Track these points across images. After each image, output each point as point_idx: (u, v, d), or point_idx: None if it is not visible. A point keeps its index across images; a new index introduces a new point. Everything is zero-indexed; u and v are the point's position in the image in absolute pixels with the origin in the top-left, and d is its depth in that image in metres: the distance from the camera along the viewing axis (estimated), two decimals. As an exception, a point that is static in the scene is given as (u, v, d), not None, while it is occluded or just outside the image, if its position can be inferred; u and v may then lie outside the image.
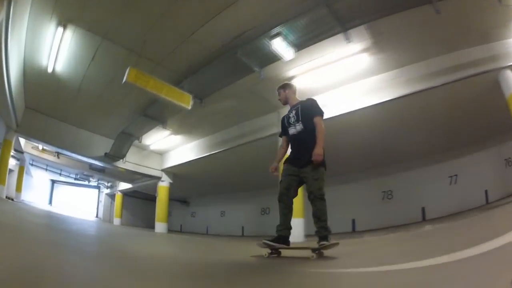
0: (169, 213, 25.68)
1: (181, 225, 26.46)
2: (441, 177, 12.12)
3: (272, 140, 10.43)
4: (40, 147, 19.09)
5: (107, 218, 27.72)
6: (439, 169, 12.23)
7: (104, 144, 16.31)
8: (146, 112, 12.74)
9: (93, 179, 26.73)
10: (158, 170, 18.83)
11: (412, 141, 11.31)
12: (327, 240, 3.92)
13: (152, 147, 17.55)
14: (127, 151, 16.38)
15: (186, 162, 16.33)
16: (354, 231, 13.13)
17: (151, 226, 24.85)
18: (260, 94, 10.46)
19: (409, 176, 13.08)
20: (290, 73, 9.34)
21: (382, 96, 8.72)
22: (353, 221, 13.92)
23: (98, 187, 30.84)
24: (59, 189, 31.78)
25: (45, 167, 25.03)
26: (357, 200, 14.52)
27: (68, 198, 31.60)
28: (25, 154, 20.34)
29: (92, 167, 20.53)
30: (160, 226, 18.01)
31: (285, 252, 4.41)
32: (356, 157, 12.68)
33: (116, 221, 25.09)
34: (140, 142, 15.63)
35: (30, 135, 14.63)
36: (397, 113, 9.41)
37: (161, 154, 18.88)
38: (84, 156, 16.05)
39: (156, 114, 12.88)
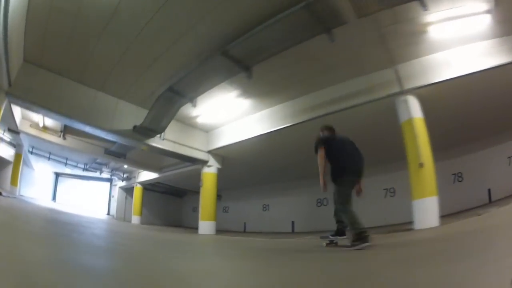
0: (194, 209, 21.84)
1: None
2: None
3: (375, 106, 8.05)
4: (41, 123, 13.62)
5: (121, 216, 22.40)
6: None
7: (133, 114, 11.19)
8: (227, 50, 7.36)
9: (107, 169, 20.89)
10: (204, 151, 13.45)
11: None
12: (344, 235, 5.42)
13: (200, 120, 12.25)
14: (169, 122, 10.82)
15: (247, 140, 11.57)
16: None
17: (174, 225, 21.64)
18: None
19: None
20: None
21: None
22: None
23: (110, 180, 24.91)
24: (64, 183, 26.46)
25: (47, 155, 19.14)
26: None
27: (74, 193, 26.30)
28: (22, 136, 14.80)
29: (109, 152, 14.80)
30: (206, 226, 13.11)
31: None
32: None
33: (135, 219, 19.92)
34: (195, 106, 10.09)
35: (29, 100, 9.34)
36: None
37: (206, 131, 13.53)
38: (103, 129, 10.71)
39: (245, 53, 7.45)
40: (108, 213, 24.68)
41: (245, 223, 18.62)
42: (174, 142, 12.46)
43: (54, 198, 25.13)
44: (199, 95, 9.50)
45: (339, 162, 5.20)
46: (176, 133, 12.41)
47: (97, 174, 22.95)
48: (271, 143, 11.43)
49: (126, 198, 22.95)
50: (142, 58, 8.51)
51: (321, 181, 5.16)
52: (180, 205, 25.09)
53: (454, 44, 6.95)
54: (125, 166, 18.97)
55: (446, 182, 11.21)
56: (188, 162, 14.11)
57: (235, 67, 7.65)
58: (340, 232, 5.38)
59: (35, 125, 14.00)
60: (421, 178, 6.65)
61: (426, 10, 5.64)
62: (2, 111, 8.94)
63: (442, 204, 6.77)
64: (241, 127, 11.64)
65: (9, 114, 11.56)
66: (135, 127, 10.94)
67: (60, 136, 14.41)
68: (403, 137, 7.22)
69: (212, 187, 13.26)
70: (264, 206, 18.41)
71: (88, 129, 10.75)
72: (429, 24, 6.25)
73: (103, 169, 20.73)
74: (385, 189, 12.98)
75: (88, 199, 26.30)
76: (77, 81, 10.10)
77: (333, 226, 5.61)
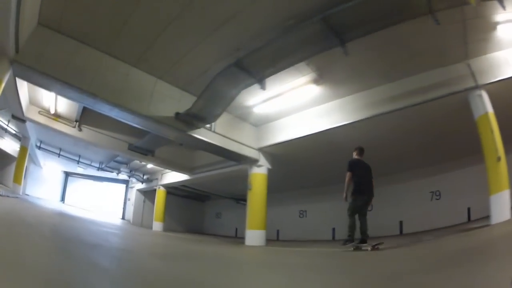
0: (218, 214, 20.79)
1: (236, 229, 18.77)
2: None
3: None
4: (53, 109, 10.82)
5: (139, 221, 19.39)
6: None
7: (175, 98, 8.61)
8: (329, 17, 5.39)
9: (125, 169, 17.80)
10: (254, 149, 10.65)
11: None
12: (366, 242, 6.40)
13: (257, 110, 9.57)
14: (224, 109, 8.17)
15: (309, 136, 9.18)
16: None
17: (195, 231, 19.63)
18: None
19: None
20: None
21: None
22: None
23: (126, 182, 21.84)
24: (75, 184, 23.71)
25: (57, 151, 16.17)
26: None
27: (85, 195, 23.47)
28: (28, 126, 11.95)
29: (134, 147, 11.86)
30: (255, 236, 10.12)
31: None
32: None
33: (157, 225, 16.87)
34: (264, 88, 7.14)
35: (41, 69, 6.63)
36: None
37: (256, 125, 10.77)
38: (136, 114, 7.89)
39: (347, 24, 5.53)
40: (123, 218, 21.67)
41: (278, 231, 15.89)
42: (223, 136, 9.65)
43: (62, 199, 22.46)
44: (274, 73, 6.76)
45: (359, 185, 6.69)
46: (224, 126, 9.63)
47: (112, 175, 19.98)
48: (332, 140, 9.20)
49: (144, 201, 20.00)
50: (201, 23, 6.22)
51: (344, 194, 6.78)
52: (202, 210, 22.36)
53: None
54: (149, 166, 15.89)
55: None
56: (233, 161, 11.22)
57: (333, 39, 5.61)
58: (362, 240, 6.49)
59: (45, 111, 11.09)
60: (498, 172, 6.17)
61: (504, 9, 5.36)
62: (3, 84, 6.31)
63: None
64: (304, 120, 9.30)
65: (14, 94, 8.71)
66: (177, 114, 8.21)
67: (75, 127, 11.50)
68: (478, 132, 6.65)
69: (262, 191, 10.52)
70: (301, 212, 15.82)
71: (115, 113, 8.01)
72: (500, 22, 5.95)
73: (121, 169, 17.58)
74: (431, 192, 11.24)
75: (100, 201, 23.46)
76: (105, 53, 7.48)
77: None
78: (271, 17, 5.81)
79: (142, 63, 7.77)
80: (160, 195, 17.24)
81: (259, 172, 10.61)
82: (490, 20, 5.87)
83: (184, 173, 14.60)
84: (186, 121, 8.35)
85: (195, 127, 8.67)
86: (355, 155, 7.27)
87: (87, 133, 11.82)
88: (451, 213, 10.20)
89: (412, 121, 7.96)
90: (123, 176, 19.41)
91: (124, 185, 22.44)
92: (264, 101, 8.83)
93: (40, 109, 11.06)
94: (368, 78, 7.60)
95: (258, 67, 6.45)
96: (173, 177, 16.00)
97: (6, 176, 16.53)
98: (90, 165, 18.09)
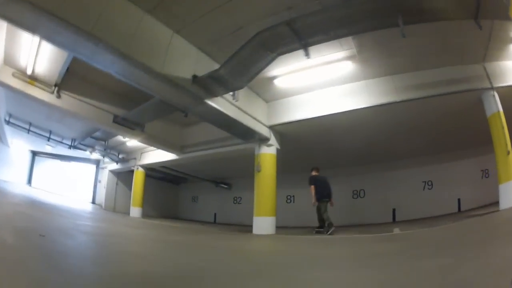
0: (194, 198, 19.39)
1: (215, 214, 17.65)
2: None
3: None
4: (30, 69, 8.69)
5: (111, 205, 17.20)
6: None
7: (192, 58, 7.05)
8: None
9: (100, 147, 15.46)
10: (266, 126, 9.48)
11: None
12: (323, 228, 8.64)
13: (277, 82, 8.36)
14: (255, 76, 6.64)
15: (331, 115, 8.33)
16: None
17: (170, 216, 18.16)
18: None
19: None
20: None
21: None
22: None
23: (97, 162, 19.38)
24: (42, 164, 20.94)
25: (27, 126, 13.70)
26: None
27: (53, 177, 20.93)
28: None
29: (121, 120, 9.96)
30: (264, 224, 9.01)
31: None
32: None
33: (135, 211, 14.90)
34: (308, 56, 5.80)
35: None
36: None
37: (267, 101, 9.65)
38: (148, 69, 6.16)
39: None
40: (94, 202, 19.23)
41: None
42: (240, 108, 8.31)
43: (29, 181, 19.76)
44: (322, 42, 5.64)
45: (320, 192, 8.81)
46: (240, 97, 8.04)
47: (82, 154, 17.56)
48: (352, 122, 8.70)
49: (117, 184, 17.78)
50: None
51: (313, 200, 8.83)
52: (176, 193, 20.55)
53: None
54: (129, 144, 13.88)
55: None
56: (239, 140, 9.79)
57: (397, 18, 4.88)
58: (322, 226, 8.67)
59: (20, 73, 8.90)
60: (507, 164, 6.70)
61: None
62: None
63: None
64: (326, 99, 8.41)
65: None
66: (195, 77, 6.73)
67: (53, 92, 9.36)
68: (489, 128, 7.16)
69: (272, 173, 9.38)
70: (289, 197, 14.79)
71: (119, 67, 6.27)
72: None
73: (96, 146, 15.28)
74: (423, 181, 11.40)
75: (69, 184, 20.94)
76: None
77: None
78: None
79: (160, 11, 6.13)
80: (139, 177, 15.25)
81: (269, 152, 9.42)
82: (510, 35, 6.50)
83: (172, 152, 12.79)
84: (205, 86, 6.87)
85: (213, 94, 7.21)
86: (314, 173, 9.32)
87: (67, 100, 9.75)
88: (442, 203, 10.39)
89: (427, 112, 8.16)
90: (95, 155, 16.94)
91: (95, 166, 19.79)
92: (289, 73, 7.76)
93: (15, 71, 8.86)
94: (398, 63, 7.32)
95: (309, 32, 5.29)
96: (156, 156, 14.14)
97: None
98: (61, 142, 15.54)
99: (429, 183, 11.11)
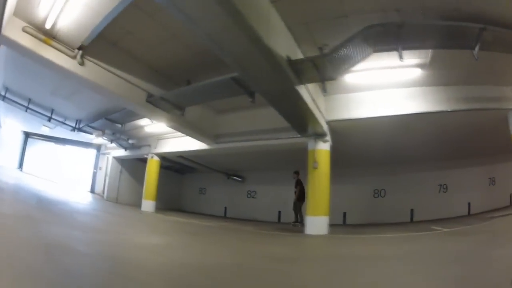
0: (202, 190, 17.11)
1: (225, 208, 15.69)
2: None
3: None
4: (50, 23, 6.31)
5: (113, 196, 14.79)
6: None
7: (284, 39, 5.48)
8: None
9: (109, 131, 12.84)
10: (324, 120, 8.38)
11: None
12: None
13: (347, 77, 7.36)
14: (347, 70, 6.10)
15: (391, 116, 7.76)
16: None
17: (173, 208, 15.87)
18: None
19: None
20: None
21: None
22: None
23: (97, 147, 16.58)
24: (35, 147, 17.86)
25: (25, 103, 11.09)
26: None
27: (47, 161, 17.97)
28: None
29: (159, 99, 7.72)
30: (316, 223, 7.87)
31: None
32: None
33: (148, 205, 12.73)
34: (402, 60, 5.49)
35: None
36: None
37: (324, 95, 8.22)
38: (252, 37, 4.38)
39: None
40: (92, 191, 16.50)
41: (280, 211, 13.41)
42: (313, 100, 7.17)
43: (20, 166, 17.00)
44: (414, 49, 5.80)
45: (303, 194, 9.12)
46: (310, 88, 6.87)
47: (81, 137, 14.94)
48: (403, 125, 8.40)
49: (121, 172, 15.36)
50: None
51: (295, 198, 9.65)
52: (180, 184, 18.18)
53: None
54: (147, 130, 11.49)
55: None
56: (298, 133, 8.36)
57: (478, 44, 5.13)
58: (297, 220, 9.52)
59: (34, 28, 6.38)
60: None
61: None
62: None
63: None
64: (388, 100, 7.84)
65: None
66: (290, 60, 5.42)
67: (75, 57, 6.97)
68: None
69: (327, 170, 8.23)
70: None
71: (222, 24, 4.29)
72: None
73: (106, 130, 12.63)
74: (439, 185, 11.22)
75: (64, 169, 18.14)
76: None
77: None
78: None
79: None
80: (153, 167, 13.05)
81: (324, 149, 8.31)
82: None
83: (204, 141, 10.72)
84: (299, 71, 5.68)
85: (303, 81, 6.04)
86: (298, 177, 9.88)
87: (92, 69, 7.46)
88: (454, 206, 10.41)
89: (461, 122, 8.18)
90: (99, 140, 14.31)
91: (95, 151, 16.97)
92: (361, 70, 6.88)
93: (27, 24, 6.31)
94: (454, 75, 7.31)
95: (410, 37, 5.12)
96: (177, 144, 12.06)
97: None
98: (63, 123, 12.78)
99: (444, 186, 10.98)
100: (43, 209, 7.13)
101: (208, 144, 10.73)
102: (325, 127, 8.14)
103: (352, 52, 5.20)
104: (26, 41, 6.50)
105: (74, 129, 12.91)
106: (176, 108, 8.39)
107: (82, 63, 7.19)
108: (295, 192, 9.67)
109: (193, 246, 5.50)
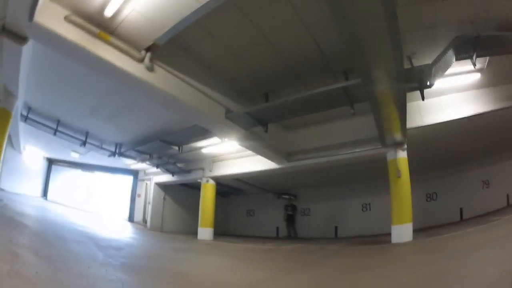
0: (249, 212, 15.51)
1: (277, 228, 14.11)
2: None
3: None
4: (110, 11, 4.47)
5: (157, 224, 12.75)
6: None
7: None
8: None
9: (157, 154, 10.66)
10: None
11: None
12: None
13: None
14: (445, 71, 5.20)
15: (454, 121, 7.18)
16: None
17: (219, 233, 12.12)
18: None
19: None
20: None
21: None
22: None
23: (134, 173, 14.18)
24: (61, 174, 15.53)
25: (54, 125, 8.70)
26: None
27: (75, 189, 15.79)
28: (25, 54, 5.48)
29: (244, 114, 5.76)
30: (401, 232, 6.99)
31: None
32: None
33: (204, 232, 10.73)
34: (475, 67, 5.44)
35: None
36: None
37: None
38: None
39: None
40: (131, 220, 14.19)
41: (336, 227, 12.33)
42: None
43: (44, 194, 14.79)
44: (488, 55, 5.74)
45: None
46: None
47: (115, 163, 12.92)
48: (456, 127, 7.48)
49: (164, 199, 13.35)
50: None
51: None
52: (226, 207, 16.20)
53: None
54: (205, 151, 9.92)
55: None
56: (380, 143, 7.49)
57: None
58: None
59: (80, 16, 4.06)
60: None
61: None
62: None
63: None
64: (450, 104, 7.20)
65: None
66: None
67: (142, 60, 5.14)
68: None
69: (407, 179, 7.41)
70: (364, 205, 12.20)
71: None
72: None
73: (154, 154, 10.42)
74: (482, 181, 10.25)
75: (94, 197, 16.06)
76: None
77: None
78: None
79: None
80: (208, 191, 11.15)
81: (404, 157, 7.62)
82: None
83: (275, 160, 9.05)
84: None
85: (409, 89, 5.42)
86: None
87: (164, 77, 5.14)
88: (495, 200, 9.60)
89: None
90: (138, 165, 12.19)
91: (131, 177, 14.67)
92: None
93: (69, 13, 3.99)
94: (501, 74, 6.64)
95: (485, 46, 5.00)
96: (239, 166, 10.40)
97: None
98: (100, 147, 10.49)
99: (487, 182, 10.10)
100: (112, 257, 5.32)
101: (278, 163, 9.20)
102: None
103: (445, 61, 5.10)
104: (72, 34, 4.40)
105: (113, 154, 11.00)
106: (259, 124, 6.78)
107: (151, 69, 4.89)
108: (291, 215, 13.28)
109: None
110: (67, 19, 4.48)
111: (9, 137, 9.35)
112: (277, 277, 4.85)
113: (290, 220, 13.13)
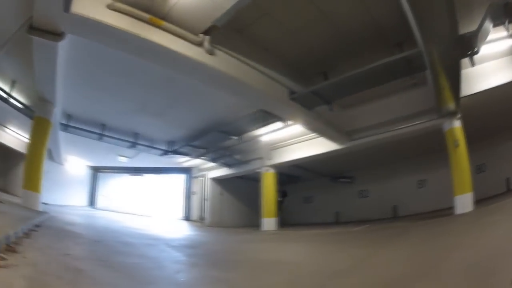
0: (307, 199, 15.19)
1: (337, 213, 13.64)
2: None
3: None
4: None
5: (217, 220, 12.73)
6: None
7: None
8: None
9: (213, 148, 10.67)
10: None
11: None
12: None
13: None
14: None
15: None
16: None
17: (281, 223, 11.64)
18: None
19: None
20: None
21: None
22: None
23: (187, 171, 14.20)
24: (107, 181, 16.25)
25: (99, 129, 8.63)
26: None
27: (125, 194, 16.22)
28: (62, 53, 5.09)
29: (308, 93, 5.97)
30: (465, 200, 6.93)
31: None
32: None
33: (268, 223, 10.53)
34: None
35: None
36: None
37: None
38: None
39: None
40: (187, 218, 14.32)
41: (395, 207, 11.89)
42: None
43: (92, 204, 15.40)
44: None
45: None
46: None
47: (165, 163, 13.15)
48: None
49: (221, 194, 13.46)
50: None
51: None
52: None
53: None
54: (264, 139, 9.73)
55: None
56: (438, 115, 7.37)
57: None
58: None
59: (126, 3, 3.64)
60: None
61: None
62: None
63: None
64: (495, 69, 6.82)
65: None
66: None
67: (201, 43, 4.98)
68: None
69: (464, 147, 7.20)
70: (420, 182, 11.73)
71: None
72: None
73: (211, 148, 10.44)
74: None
75: (146, 200, 16.16)
76: None
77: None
78: None
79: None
80: (269, 180, 11.06)
81: (459, 126, 7.41)
82: None
83: (337, 141, 8.84)
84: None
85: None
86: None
87: (224, 60, 5.02)
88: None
89: None
90: (190, 162, 12.55)
91: (184, 175, 14.84)
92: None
93: (112, 0, 3.61)
94: None
95: None
96: (298, 151, 10.24)
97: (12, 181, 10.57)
98: (151, 147, 10.41)
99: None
100: (193, 256, 5.29)
101: (340, 143, 9.01)
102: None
103: (485, 28, 4.99)
104: (119, 22, 4.31)
105: (166, 152, 10.85)
106: (324, 103, 6.67)
107: (212, 52, 4.49)
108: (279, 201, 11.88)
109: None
110: (110, 7, 4.17)
111: (48, 150, 8.99)
112: (376, 252, 4.72)
113: (279, 205, 11.64)
